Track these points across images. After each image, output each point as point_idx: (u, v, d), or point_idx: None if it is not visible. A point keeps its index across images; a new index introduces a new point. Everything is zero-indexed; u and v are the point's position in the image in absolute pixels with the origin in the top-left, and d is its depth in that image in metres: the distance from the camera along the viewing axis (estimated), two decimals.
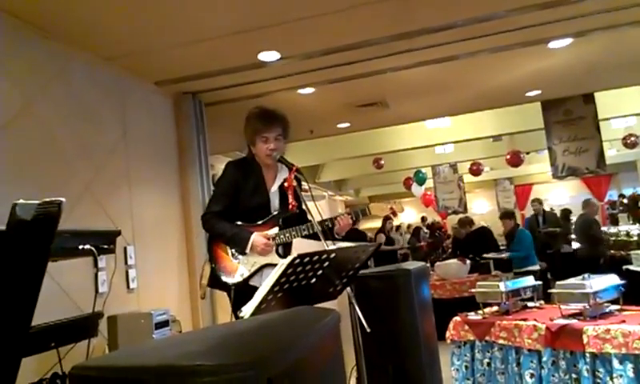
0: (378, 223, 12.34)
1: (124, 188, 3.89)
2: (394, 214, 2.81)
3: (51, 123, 3.26)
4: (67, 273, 2.98)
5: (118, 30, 3.45)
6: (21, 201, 1.62)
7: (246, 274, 2.62)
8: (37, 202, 1.64)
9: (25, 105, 3.08)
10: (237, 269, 2.64)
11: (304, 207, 2.68)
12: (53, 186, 3.16)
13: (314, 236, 2.59)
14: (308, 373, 1.04)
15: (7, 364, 1.68)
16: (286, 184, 2.64)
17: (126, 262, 3.75)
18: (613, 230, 9.29)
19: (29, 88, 3.13)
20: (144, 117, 4.30)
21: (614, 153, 12.63)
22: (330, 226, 2.62)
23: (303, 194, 2.66)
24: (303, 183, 2.73)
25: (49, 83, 3.29)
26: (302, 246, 2.61)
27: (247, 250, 2.61)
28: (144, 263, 3.93)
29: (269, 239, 2.62)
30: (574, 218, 10.18)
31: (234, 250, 2.68)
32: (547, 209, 11.54)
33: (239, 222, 2.68)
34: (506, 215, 7.29)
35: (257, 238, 2.61)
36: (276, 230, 2.67)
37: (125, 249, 3.74)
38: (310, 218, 2.57)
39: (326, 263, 1.93)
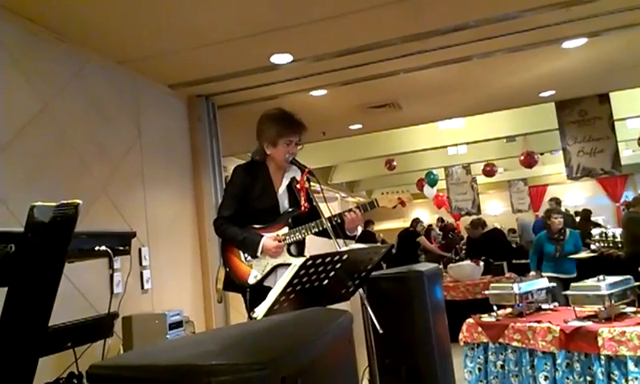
0: (393, 223, 12.24)
1: (138, 189, 3.93)
2: (403, 204, 2.77)
3: (67, 125, 3.31)
4: (83, 274, 3.03)
5: (132, 33, 3.50)
6: (39, 203, 1.65)
7: (260, 276, 2.63)
8: (54, 204, 1.66)
9: (42, 107, 3.13)
10: (250, 271, 2.66)
11: (316, 208, 2.68)
12: (69, 188, 3.21)
13: (324, 233, 2.59)
14: (321, 373, 1.05)
15: (25, 363, 1.71)
16: (298, 186, 2.65)
17: (140, 263, 3.79)
18: None
19: (45, 90, 3.18)
20: (158, 119, 4.35)
21: (629, 153, 12.45)
22: (340, 221, 2.62)
23: (315, 195, 2.67)
24: (315, 184, 2.74)
25: (65, 86, 3.34)
26: (315, 245, 2.63)
27: (258, 254, 2.62)
28: (158, 264, 3.97)
29: (280, 241, 2.63)
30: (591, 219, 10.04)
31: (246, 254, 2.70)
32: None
33: (256, 226, 2.70)
34: (558, 211, 6.27)
35: (267, 241, 2.61)
36: (286, 229, 2.68)
37: (139, 250, 3.78)
38: (322, 217, 2.57)
39: (339, 264, 1.94)
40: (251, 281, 2.63)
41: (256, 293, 2.53)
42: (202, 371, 0.82)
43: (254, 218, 2.70)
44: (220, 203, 2.87)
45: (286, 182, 2.76)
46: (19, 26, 3.04)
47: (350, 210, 2.64)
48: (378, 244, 8.64)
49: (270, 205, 2.72)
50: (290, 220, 2.70)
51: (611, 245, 8.24)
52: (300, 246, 2.73)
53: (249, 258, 2.67)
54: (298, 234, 2.65)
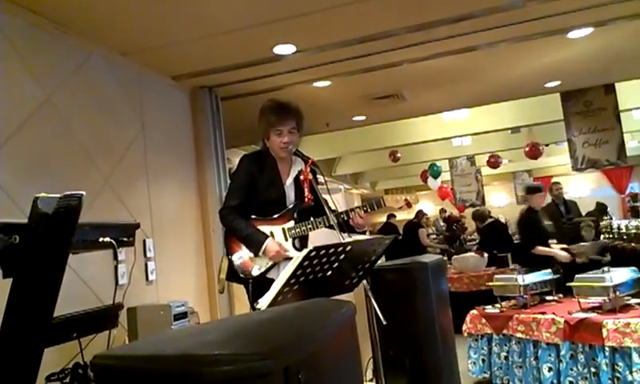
0: (398, 215, 12.19)
1: (142, 181, 3.93)
2: (409, 205, 2.79)
3: (71, 117, 3.31)
4: (88, 265, 3.04)
5: (135, 24, 3.49)
6: (42, 194, 1.65)
7: (264, 268, 2.64)
8: (58, 195, 1.67)
9: (45, 99, 3.13)
10: (254, 262, 2.66)
11: (320, 200, 2.68)
12: (73, 180, 3.21)
13: (330, 228, 2.60)
14: (324, 363, 1.05)
15: (31, 354, 1.72)
16: (302, 177, 2.65)
17: (145, 255, 3.80)
18: (634, 222, 9.13)
19: (49, 83, 3.18)
20: (161, 111, 4.34)
21: (634, 144, 12.39)
22: (346, 218, 2.62)
23: (319, 187, 2.67)
24: (319, 176, 2.74)
25: (68, 78, 3.34)
26: (318, 237, 2.63)
27: (260, 254, 2.62)
28: (162, 256, 3.98)
29: (283, 250, 2.63)
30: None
31: None
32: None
33: (253, 216, 2.70)
34: None
35: (271, 244, 2.61)
36: (291, 223, 2.68)
37: (144, 241, 3.79)
38: (326, 210, 2.57)
39: (342, 256, 1.94)
40: (255, 272, 2.64)
41: (259, 285, 2.53)
42: (205, 361, 0.82)
43: (259, 208, 2.70)
44: (226, 192, 2.87)
45: (293, 174, 2.76)
46: (22, 18, 3.03)
47: (357, 208, 2.64)
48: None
49: (277, 196, 2.72)
50: (295, 214, 2.70)
51: (616, 236, 8.21)
52: (303, 240, 2.74)
53: None
54: (303, 228, 2.66)
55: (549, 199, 6.29)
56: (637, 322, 3.13)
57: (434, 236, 11.45)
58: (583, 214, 7.21)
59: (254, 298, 2.51)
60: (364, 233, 2.75)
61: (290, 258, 2.29)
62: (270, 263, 2.64)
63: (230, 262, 2.68)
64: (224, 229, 2.81)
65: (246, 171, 2.73)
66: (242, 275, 2.67)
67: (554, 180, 7.96)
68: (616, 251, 7.20)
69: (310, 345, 0.97)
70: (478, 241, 9.15)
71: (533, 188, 5.41)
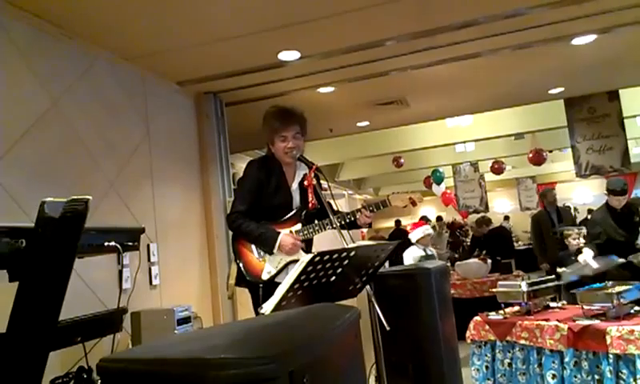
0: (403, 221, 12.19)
1: (147, 186, 3.95)
2: (414, 204, 2.79)
3: (76, 122, 3.33)
4: (93, 269, 3.05)
5: (140, 30, 3.51)
6: (49, 199, 1.67)
7: (273, 272, 2.63)
8: (65, 199, 1.68)
9: (51, 104, 3.15)
10: (263, 267, 2.65)
11: (324, 205, 2.68)
12: (78, 184, 3.23)
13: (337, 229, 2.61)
14: (328, 367, 1.05)
15: (36, 357, 1.73)
16: (305, 183, 2.66)
17: (149, 259, 3.81)
18: None
19: (55, 88, 3.20)
20: (166, 116, 4.37)
21: (639, 151, 12.36)
22: (352, 219, 2.63)
23: (323, 192, 2.68)
24: (323, 182, 2.75)
25: (74, 83, 3.36)
26: (322, 241, 2.64)
27: (275, 250, 2.62)
28: (166, 260, 3.99)
29: (297, 239, 2.64)
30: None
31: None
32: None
33: (268, 221, 2.70)
34: None
35: (285, 237, 2.61)
36: (299, 225, 2.69)
37: (148, 246, 3.80)
38: (330, 215, 2.58)
39: (346, 261, 1.94)
40: (265, 277, 2.63)
41: (269, 289, 2.53)
42: (210, 365, 0.82)
43: (266, 213, 2.71)
44: (234, 198, 2.88)
45: (298, 178, 2.77)
46: (28, 23, 3.06)
47: (363, 208, 2.65)
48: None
49: (285, 201, 2.73)
50: (302, 217, 2.71)
51: None
52: (308, 242, 2.74)
53: (262, 253, 2.67)
54: (311, 230, 2.66)
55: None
56: None
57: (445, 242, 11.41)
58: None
59: (264, 302, 2.51)
60: (369, 225, 2.76)
61: (297, 260, 2.30)
62: (280, 266, 2.63)
63: (239, 267, 2.68)
64: (232, 234, 2.81)
65: (254, 177, 2.74)
66: (251, 279, 2.66)
67: (546, 187, 7.60)
68: None
69: (315, 349, 0.98)
70: (469, 245, 9.14)
71: (609, 189, 4.62)
